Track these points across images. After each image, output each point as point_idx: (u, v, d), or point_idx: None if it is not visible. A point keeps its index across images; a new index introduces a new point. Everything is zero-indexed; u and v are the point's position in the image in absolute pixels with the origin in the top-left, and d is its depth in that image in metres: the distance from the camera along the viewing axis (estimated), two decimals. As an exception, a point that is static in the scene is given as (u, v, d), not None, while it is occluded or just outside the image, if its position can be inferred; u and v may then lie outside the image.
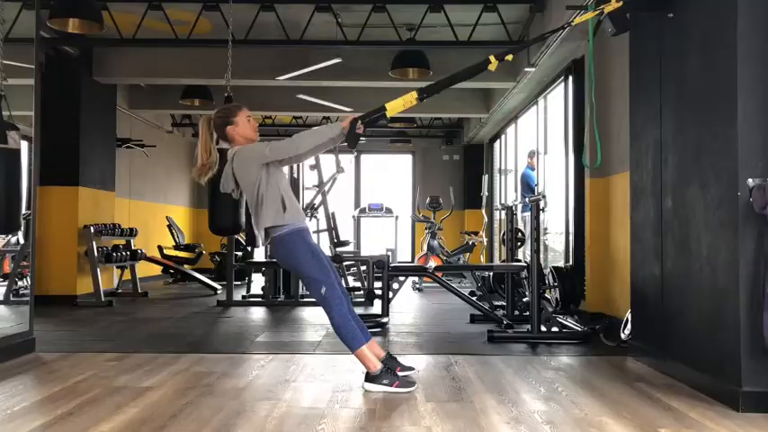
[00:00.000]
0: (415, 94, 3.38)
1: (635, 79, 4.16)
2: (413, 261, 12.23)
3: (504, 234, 6.74)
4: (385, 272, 5.66)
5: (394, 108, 3.36)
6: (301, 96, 8.61)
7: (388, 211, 11.60)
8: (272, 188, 3.32)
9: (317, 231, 9.29)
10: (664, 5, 3.60)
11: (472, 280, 7.98)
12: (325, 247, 8.78)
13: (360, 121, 3.28)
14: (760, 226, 2.87)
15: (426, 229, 9.70)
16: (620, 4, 3.60)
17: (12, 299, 6.50)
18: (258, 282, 8.80)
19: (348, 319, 3.31)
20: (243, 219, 5.74)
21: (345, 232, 10.07)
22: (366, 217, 11.58)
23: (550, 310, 5.07)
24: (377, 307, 6.58)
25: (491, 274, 6.74)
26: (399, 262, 11.60)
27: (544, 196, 4.95)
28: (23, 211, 5.00)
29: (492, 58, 3.49)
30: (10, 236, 6.73)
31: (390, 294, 6.35)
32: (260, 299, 7.49)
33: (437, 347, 4.57)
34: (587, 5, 4.60)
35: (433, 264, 8.77)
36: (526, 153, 9.09)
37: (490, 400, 3.09)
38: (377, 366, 3.29)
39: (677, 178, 3.52)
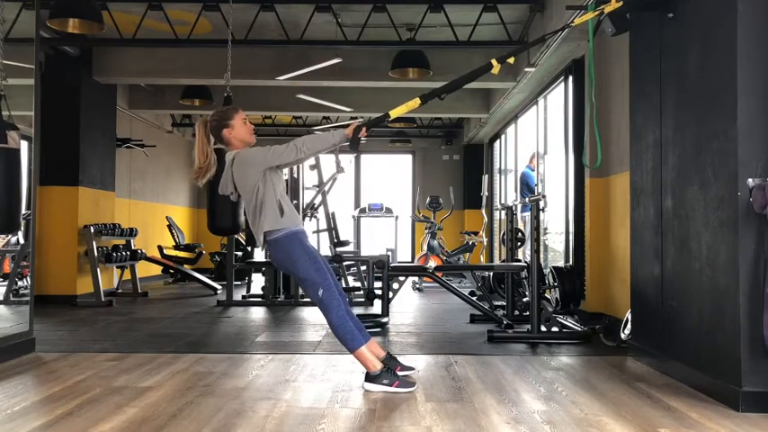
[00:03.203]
0: (418, 101, 3.47)
1: (635, 79, 4.16)
2: (413, 261, 12.23)
3: (504, 234, 6.74)
4: (385, 272, 5.66)
5: (397, 112, 3.44)
6: (301, 96, 8.61)
7: (388, 211, 11.60)
8: (269, 193, 3.32)
9: (317, 231, 9.29)
10: (664, 5, 3.60)
11: (472, 280, 7.98)
12: (326, 247, 8.79)
13: (364, 128, 3.30)
14: (760, 226, 2.88)
15: (426, 229, 9.70)
16: (620, 4, 3.60)
17: (12, 299, 6.51)
18: (258, 282, 8.80)
19: (346, 320, 3.32)
20: (242, 219, 5.73)
21: (345, 232, 10.07)
22: (366, 217, 11.58)
23: (550, 310, 5.07)
24: (377, 307, 6.58)
25: (491, 274, 6.74)
26: (399, 262, 11.60)
27: (544, 196, 4.95)
28: (23, 211, 5.00)
29: (494, 61, 3.52)
30: (10, 236, 6.74)
31: (390, 294, 6.35)
32: (260, 299, 7.49)
33: (437, 347, 4.57)
34: (587, 5, 4.60)
35: (432, 264, 8.77)
36: (527, 154, 9.09)
37: (490, 399, 3.09)
38: (376, 366, 3.29)
39: (677, 178, 3.52)
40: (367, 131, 3.33)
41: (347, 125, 3.45)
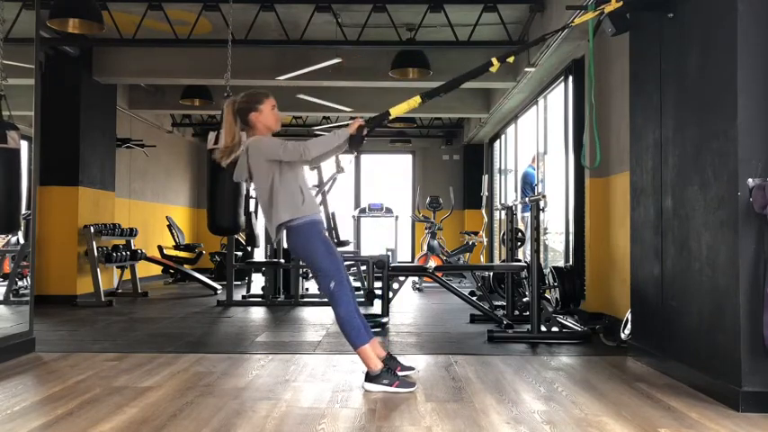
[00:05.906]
0: (418, 99, 3.47)
1: (635, 79, 4.16)
2: (413, 261, 12.23)
3: (504, 234, 6.74)
4: (385, 272, 5.66)
5: (398, 111, 3.45)
6: (301, 96, 8.60)
7: (388, 211, 11.59)
8: (288, 182, 3.32)
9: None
10: (664, 5, 3.60)
11: (472, 280, 7.97)
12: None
13: (366, 128, 3.32)
14: (760, 226, 2.88)
15: (426, 229, 9.70)
16: (620, 4, 3.60)
17: (12, 299, 6.50)
18: (258, 282, 8.80)
19: (354, 315, 3.34)
20: (242, 219, 5.72)
21: (345, 232, 10.07)
22: (366, 217, 11.57)
23: (550, 309, 5.07)
24: (377, 307, 6.58)
25: (491, 274, 6.74)
26: (399, 262, 11.60)
27: (544, 196, 4.95)
28: (23, 210, 5.01)
29: (494, 60, 3.52)
30: (10, 236, 6.73)
31: (390, 294, 6.35)
32: (260, 299, 7.49)
33: (437, 347, 4.57)
34: (587, 5, 4.60)
35: (433, 264, 8.76)
36: (527, 154, 9.08)
37: (490, 399, 3.09)
38: (377, 366, 3.29)
39: (677, 178, 3.52)
40: (369, 131, 3.35)
41: (347, 125, 3.46)
